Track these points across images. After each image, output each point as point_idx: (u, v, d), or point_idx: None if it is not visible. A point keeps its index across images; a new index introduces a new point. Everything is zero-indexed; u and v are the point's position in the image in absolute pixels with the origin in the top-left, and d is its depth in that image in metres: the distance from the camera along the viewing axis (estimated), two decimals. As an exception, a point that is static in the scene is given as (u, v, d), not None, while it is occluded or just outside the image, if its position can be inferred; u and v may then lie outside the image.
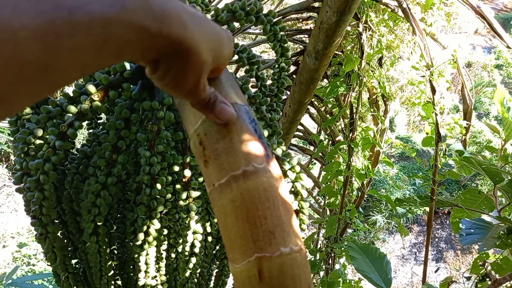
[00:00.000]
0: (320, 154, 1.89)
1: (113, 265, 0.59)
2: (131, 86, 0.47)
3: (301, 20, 1.72)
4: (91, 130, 0.58)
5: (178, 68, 0.27)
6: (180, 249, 0.59)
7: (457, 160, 1.18)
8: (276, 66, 0.59)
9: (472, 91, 1.36)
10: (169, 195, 0.53)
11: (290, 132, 1.68)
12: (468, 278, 1.16)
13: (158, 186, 0.51)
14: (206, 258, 0.62)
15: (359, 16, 1.39)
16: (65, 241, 0.55)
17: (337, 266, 1.87)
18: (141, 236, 0.53)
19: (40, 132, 0.47)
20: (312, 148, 2.27)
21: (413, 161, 7.19)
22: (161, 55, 0.26)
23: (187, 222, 0.55)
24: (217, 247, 0.63)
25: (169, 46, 0.25)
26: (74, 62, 0.21)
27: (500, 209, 1.10)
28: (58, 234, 0.53)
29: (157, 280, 0.60)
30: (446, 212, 6.70)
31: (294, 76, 1.50)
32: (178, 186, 0.54)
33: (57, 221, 0.53)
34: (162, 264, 0.59)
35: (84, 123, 0.49)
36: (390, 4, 1.35)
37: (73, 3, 0.20)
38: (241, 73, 2.63)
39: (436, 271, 4.72)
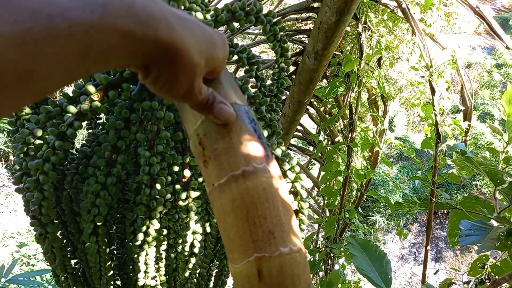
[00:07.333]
0: (320, 154, 1.90)
1: (112, 265, 0.59)
2: (131, 86, 0.47)
3: (300, 20, 1.72)
4: (90, 130, 0.58)
5: (169, 72, 0.27)
6: (179, 249, 0.59)
7: (457, 161, 1.18)
8: (276, 66, 0.60)
9: (472, 91, 1.36)
10: (168, 195, 0.53)
11: (289, 132, 1.68)
12: (468, 283, 1.16)
13: (158, 186, 0.51)
14: (205, 258, 0.62)
15: (358, 16, 1.39)
16: (65, 241, 0.55)
17: (336, 267, 1.88)
18: (140, 236, 0.53)
19: (39, 132, 0.47)
20: (311, 148, 2.27)
21: (412, 161, 7.19)
22: (150, 59, 0.26)
23: (186, 222, 0.55)
24: (217, 247, 0.63)
25: (157, 50, 0.25)
26: (57, 69, 0.21)
27: (500, 212, 1.10)
28: (58, 234, 0.53)
29: (156, 280, 0.60)
30: (445, 212, 6.70)
31: (293, 76, 1.50)
32: (177, 186, 0.54)
33: (56, 221, 0.53)
34: (162, 264, 0.59)
35: (84, 123, 0.49)
36: (390, 4, 1.35)
37: (52, 10, 0.20)
38: (240, 73, 2.63)
39: (435, 273, 4.71)
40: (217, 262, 0.66)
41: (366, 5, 1.40)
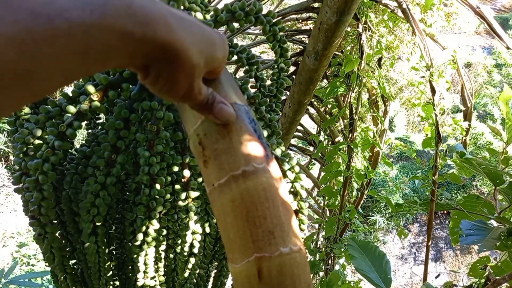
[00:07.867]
0: (320, 154, 1.90)
1: (111, 265, 0.59)
2: (131, 86, 0.47)
3: (300, 20, 1.72)
4: (90, 130, 0.58)
5: (169, 72, 0.27)
6: (179, 249, 0.58)
7: (457, 161, 1.17)
8: (276, 66, 0.59)
9: (472, 91, 1.36)
10: (168, 196, 0.53)
11: (289, 132, 1.68)
12: (470, 286, 1.16)
13: (157, 186, 0.51)
14: (205, 259, 0.62)
15: (358, 16, 1.39)
16: (64, 241, 0.55)
17: (336, 267, 1.87)
18: (140, 236, 0.53)
19: (39, 132, 0.47)
20: (311, 148, 2.27)
21: (412, 161, 7.18)
22: (150, 60, 0.26)
23: (186, 222, 0.55)
24: (216, 248, 0.63)
25: (156, 50, 0.25)
26: (57, 69, 0.21)
27: (500, 212, 1.10)
28: (57, 234, 0.53)
29: (155, 281, 0.60)
30: (445, 212, 6.69)
31: (293, 76, 1.50)
32: (177, 186, 0.54)
33: (55, 221, 0.53)
34: (161, 264, 0.59)
35: (83, 123, 0.49)
36: (390, 4, 1.35)
37: (52, 10, 0.20)
38: (240, 73, 2.63)
39: (437, 277, 4.68)
40: (216, 263, 0.66)
41: (367, 5, 1.39)
